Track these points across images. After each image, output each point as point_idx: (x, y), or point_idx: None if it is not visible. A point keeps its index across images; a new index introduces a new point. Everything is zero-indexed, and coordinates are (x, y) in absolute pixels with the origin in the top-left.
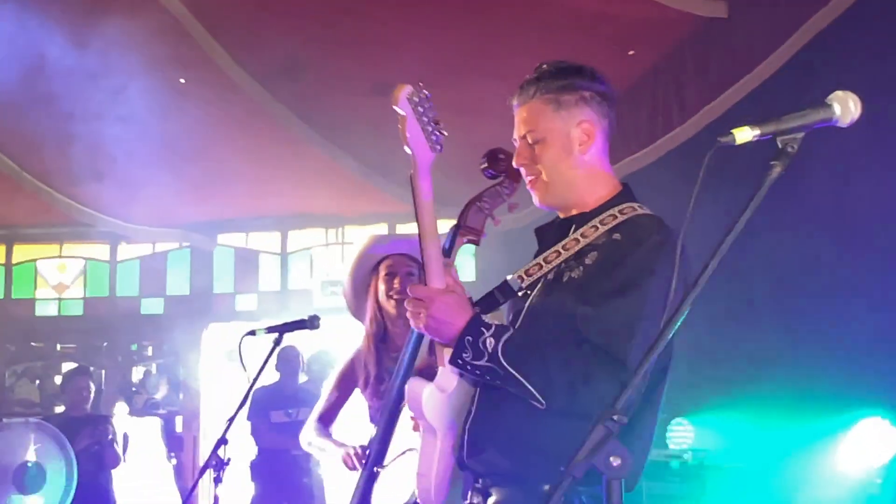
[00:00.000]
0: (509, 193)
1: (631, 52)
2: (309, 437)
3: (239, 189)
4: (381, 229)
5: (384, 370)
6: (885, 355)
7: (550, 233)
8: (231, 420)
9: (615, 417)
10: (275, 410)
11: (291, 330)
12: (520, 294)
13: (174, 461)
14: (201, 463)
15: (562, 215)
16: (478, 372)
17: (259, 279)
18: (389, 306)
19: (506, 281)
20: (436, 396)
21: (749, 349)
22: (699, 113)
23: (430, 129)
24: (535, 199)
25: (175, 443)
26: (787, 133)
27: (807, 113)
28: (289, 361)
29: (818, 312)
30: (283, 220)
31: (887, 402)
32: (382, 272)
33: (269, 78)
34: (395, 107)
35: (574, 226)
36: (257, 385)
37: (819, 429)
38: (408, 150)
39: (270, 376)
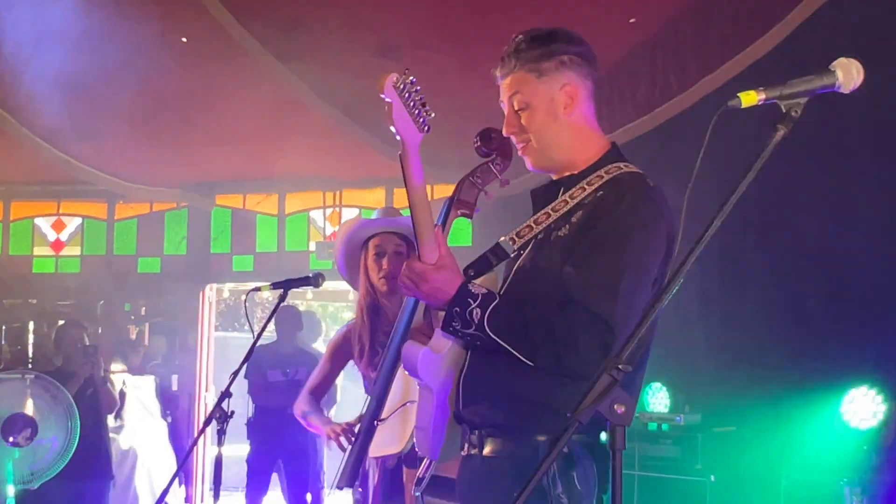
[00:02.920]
0: (501, 170)
1: (631, 20)
2: (301, 407)
3: (237, 150)
4: (379, 194)
5: (377, 342)
6: (874, 328)
7: (542, 195)
8: (235, 374)
9: (620, 366)
10: (272, 369)
11: (296, 286)
12: (512, 255)
13: (169, 419)
14: (196, 421)
15: (554, 177)
16: (468, 338)
17: (256, 240)
18: (380, 285)
19: (498, 243)
20: (430, 357)
21: (742, 319)
22: (698, 83)
23: (416, 112)
24: (528, 164)
25: (170, 401)
26: (791, 98)
27: (811, 79)
28: (288, 321)
29: (810, 286)
30: (281, 182)
31: (874, 374)
32: (371, 251)
33: (271, 38)
34: (381, 95)
35: (563, 188)
36: (257, 343)
37: (810, 397)
38: (395, 134)
39: (269, 335)
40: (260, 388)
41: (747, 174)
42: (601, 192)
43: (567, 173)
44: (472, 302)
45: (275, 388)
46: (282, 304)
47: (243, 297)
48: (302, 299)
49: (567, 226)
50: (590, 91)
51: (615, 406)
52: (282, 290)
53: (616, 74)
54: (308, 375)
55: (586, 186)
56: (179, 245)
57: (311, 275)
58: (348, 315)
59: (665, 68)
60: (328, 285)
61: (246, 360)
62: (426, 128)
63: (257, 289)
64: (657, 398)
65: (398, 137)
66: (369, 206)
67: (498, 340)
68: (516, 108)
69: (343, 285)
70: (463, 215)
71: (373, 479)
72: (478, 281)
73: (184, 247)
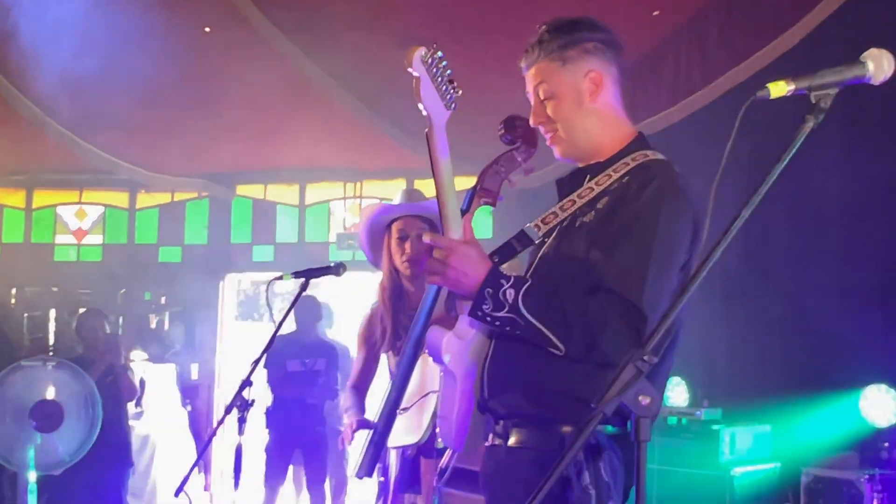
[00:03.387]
0: (525, 158)
1: (656, 13)
2: (343, 404)
3: (258, 140)
4: (399, 184)
5: (400, 325)
6: (890, 329)
7: (567, 183)
8: (256, 362)
9: (645, 358)
10: (291, 359)
11: (318, 276)
12: (537, 242)
13: (189, 408)
14: (216, 410)
15: (580, 166)
16: (497, 323)
17: (276, 231)
18: (404, 268)
19: (523, 230)
20: (454, 343)
21: (764, 315)
22: (722, 77)
23: (444, 88)
24: (556, 153)
25: (190, 390)
26: (820, 88)
27: (841, 70)
28: (308, 311)
29: (831, 283)
30: (302, 172)
31: (891, 372)
32: (395, 234)
33: (294, 29)
34: (409, 69)
35: (589, 175)
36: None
37: (830, 392)
38: (423, 110)
39: (288, 325)
40: (279, 379)
41: (775, 166)
42: (627, 179)
43: (593, 161)
44: (504, 283)
45: (294, 378)
46: (305, 296)
47: (264, 287)
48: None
49: (593, 212)
50: (615, 77)
51: (640, 397)
52: (303, 280)
53: (641, 68)
54: (327, 366)
55: (612, 173)
56: (200, 235)
57: (332, 264)
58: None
59: (690, 61)
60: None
61: (266, 349)
62: (453, 105)
63: (279, 278)
64: (676, 392)
65: (425, 113)
66: (390, 198)
67: (533, 321)
68: (542, 97)
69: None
70: (486, 203)
71: (394, 468)
72: (505, 265)
73: (204, 236)
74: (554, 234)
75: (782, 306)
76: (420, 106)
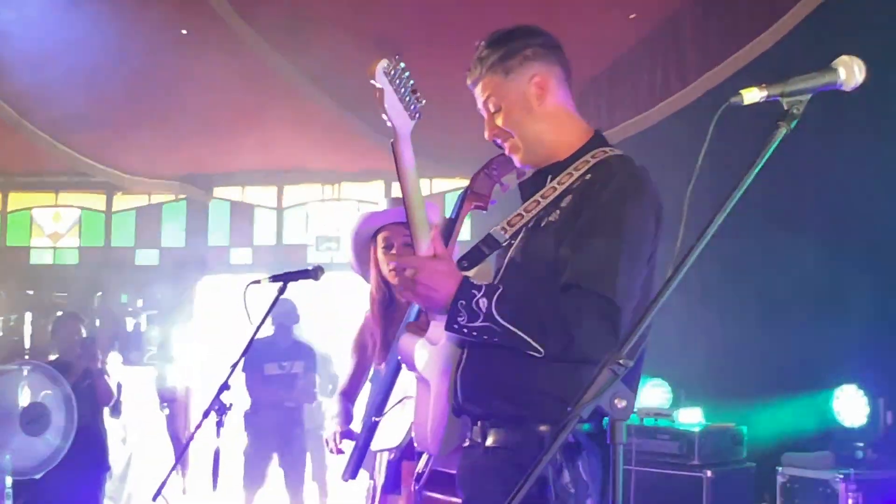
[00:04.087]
0: None
1: (632, 16)
2: (330, 410)
3: (236, 142)
4: (378, 186)
5: (391, 336)
6: (861, 331)
7: (530, 185)
8: (234, 366)
9: (621, 361)
10: (268, 363)
11: (295, 279)
12: (504, 244)
13: (166, 411)
14: (193, 413)
15: (542, 167)
16: (475, 333)
17: (254, 233)
18: (391, 277)
19: (489, 233)
20: (426, 349)
21: (740, 316)
22: (699, 80)
23: (407, 98)
24: (516, 162)
25: (167, 393)
26: (793, 95)
27: (813, 76)
28: (285, 314)
29: (805, 286)
30: (280, 174)
31: (861, 372)
32: (380, 244)
33: (271, 31)
34: (371, 81)
35: (550, 175)
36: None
37: (805, 393)
38: (387, 121)
39: (265, 329)
40: (257, 382)
41: (748, 171)
42: (589, 176)
43: (553, 161)
44: (476, 293)
45: (271, 381)
46: (282, 298)
47: (243, 290)
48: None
49: (558, 211)
50: (560, 77)
51: (616, 401)
52: (281, 283)
53: (616, 71)
54: (305, 369)
55: (573, 172)
56: (177, 238)
57: (310, 267)
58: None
59: (665, 65)
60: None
61: (245, 352)
62: (417, 115)
63: (256, 281)
64: (657, 393)
65: (389, 124)
66: (368, 200)
67: (509, 327)
68: (492, 110)
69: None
70: (477, 208)
71: (380, 472)
72: (471, 272)
73: (182, 239)
74: (521, 236)
75: (757, 307)
76: (384, 117)
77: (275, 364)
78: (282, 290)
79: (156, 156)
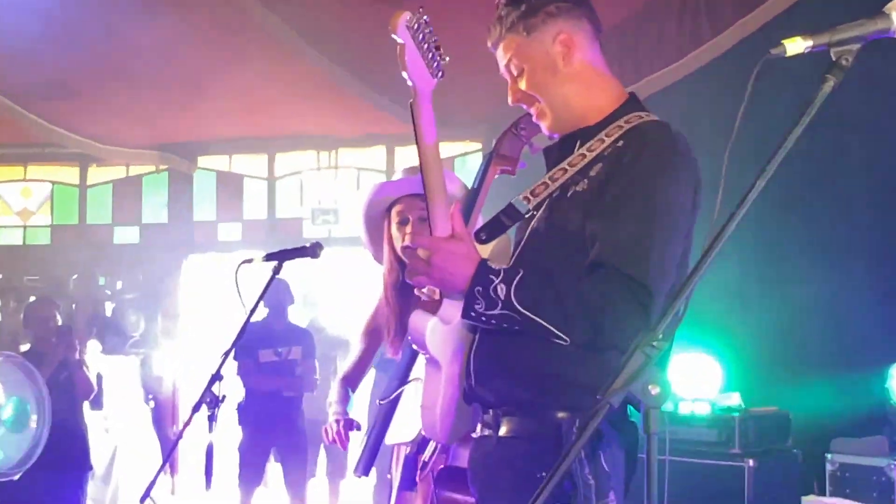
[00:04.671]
0: None
1: None
2: (329, 397)
3: (222, 106)
4: (379, 152)
5: (407, 321)
6: None
7: (557, 151)
8: (226, 354)
9: (655, 343)
10: (263, 349)
11: (292, 258)
12: (526, 216)
13: (152, 404)
14: (182, 407)
15: (570, 132)
16: (493, 322)
17: (244, 206)
18: (405, 256)
19: (511, 203)
20: (439, 329)
21: (783, 293)
22: (732, 27)
23: (430, 55)
24: (544, 129)
25: (153, 384)
26: (841, 44)
27: (863, 23)
28: (279, 296)
29: (855, 261)
30: (271, 141)
31: None
32: (394, 218)
33: None
34: (393, 35)
35: (579, 141)
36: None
37: (855, 375)
38: (407, 79)
39: (258, 312)
40: (251, 371)
41: (792, 131)
42: (622, 143)
43: (582, 127)
44: (494, 278)
45: (267, 369)
46: (276, 278)
47: (234, 270)
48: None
49: (586, 180)
50: (589, 34)
51: (649, 387)
52: (276, 263)
53: (642, 19)
54: (303, 354)
55: (605, 138)
56: (159, 213)
57: (307, 245)
58: None
59: (696, 10)
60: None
61: (237, 339)
62: (440, 73)
63: (249, 260)
64: (708, 376)
65: (410, 83)
66: (368, 167)
67: (530, 315)
68: (515, 73)
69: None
70: (504, 172)
71: (397, 468)
72: (489, 245)
73: (164, 214)
74: (544, 207)
75: (801, 277)
76: (404, 75)
77: (270, 350)
78: (276, 270)
79: (134, 123)
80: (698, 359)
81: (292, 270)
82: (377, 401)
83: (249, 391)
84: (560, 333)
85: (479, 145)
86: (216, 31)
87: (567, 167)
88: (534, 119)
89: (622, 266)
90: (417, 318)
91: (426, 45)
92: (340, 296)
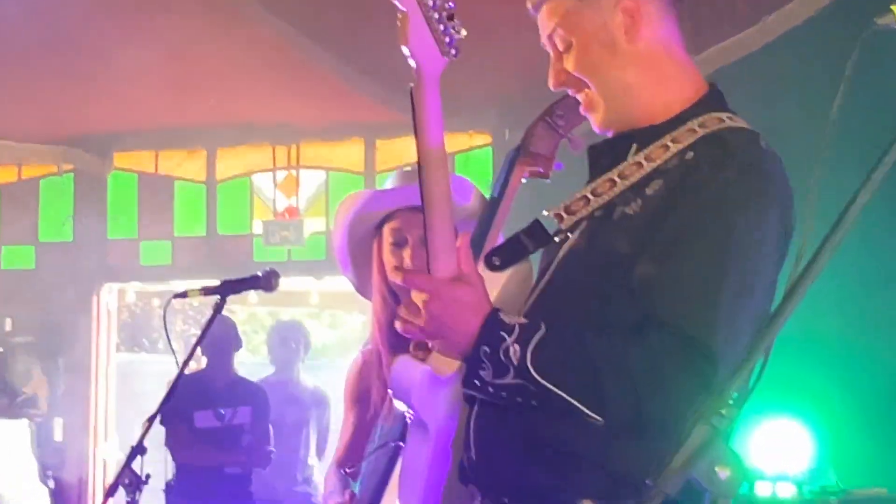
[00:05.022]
0: None
1: None
2: (326, 486)
3: (146, 87)
4: (355, 149)
5: None
6: None
7: (606, 154)
8: (151, 420)
9: (723, 412)
10: (200, 410)
11: (238, 290)
12: (556, 239)
13: (52, 484)
14: (92, 484)
15: (626, 131)
16: (504, 393)
17: (175, 220)
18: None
19: (537, 220)
20: (432, 381)
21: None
22: None
23: (441, 27)
24: (593, 124)
25: (53, 457)
26: None
27: None
28: (220, 338)
29: None
30: (210, 132)
31: None
32: (388, 238)
33: None
34: (394, 1)
35: (636, 144)
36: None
37: None
38: (409, 57)
39: (194, 360)
40: (184, 439)
41: None
42: (692, 155)
43: (643, 125)
44: (507, 336)
45: (205, 438)
46: (218, 316)
47: (158, 305)
48: (243, 303)
49: (640, 200)
50: (664, 3)
51: (717, 468)
52: (218, 297)
53: None
54: (253, 417)
55: (670, 144)
56: (62, 228)
57: (260, 273)
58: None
59: None
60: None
61: (167, 398)
62: (453, 50)
63: (182, 294)
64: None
65: (412, 62)
66: (340, 167)
67: (550, 387)
68: (560, 48)
69: (304, 283)
70: (535, 175)
71: None
72: (505, 273)
73: (69, 230)
74: (582, 229)
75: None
76: (405, 50)
77: (209, 412)
78: (219, 307)
79: (29, 110)
80: (783, 426)
81: (241, 305)
82: (344, 469)
83: (182, 466)
84: (591, 413)
85: (487, 138)
86: None
87: (617, 178)
88: (581, 110)
89: (683, 327)
90: (402, 367)
91: (437, 15)
92: (311, 337)
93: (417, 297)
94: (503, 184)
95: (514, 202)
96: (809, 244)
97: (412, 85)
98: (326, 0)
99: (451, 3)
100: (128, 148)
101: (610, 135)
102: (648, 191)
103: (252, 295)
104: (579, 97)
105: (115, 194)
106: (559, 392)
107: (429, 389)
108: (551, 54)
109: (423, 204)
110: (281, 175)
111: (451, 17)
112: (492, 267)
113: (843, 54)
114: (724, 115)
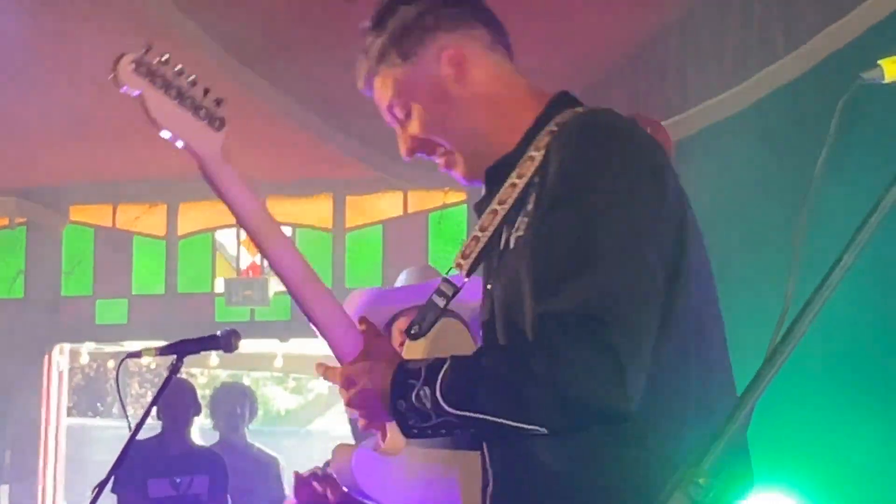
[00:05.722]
0: None
1: None
2: None
3: (104, 137)
4: (323, 205)
5: None
6: None
7: (486, 197)
8: (101, 486)
9: (701, 480)
10: (155, 478)
11: (195, 351)
12: (461, 287)
13: None
14: None
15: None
16: (443, 431)
17: (133, 277)
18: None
19: (443, 278)
20: (375, 464)
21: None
22: (816, 37)
23: (190, 102)
24: (459, 179)
25: None
26: None
27: None
28: (177, 403)
29: None
30: (172, 185)
31: None
32: (397, 339)
33: None
34: (123, 90)
35: (504, 170)
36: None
37: None
38: (175, 142)
39: (150, 426)
40: None
41: (893, 185)
42: (549, 152)
43: (502, 155)
44: (415, 382)
45: None
46: (174, 378)
47: (112, 366)
48: (202, 366)
49: (524, 217)
50: (486, 41)
51: None
52: (174, 357)
53: (687, 27)
54: (211, 487)
55: (535, 153)
56: (12, 284)
57: (219, 333)
58: (272, 391)
59: (767, 16)
60: (245, 345)
61: (118, 464)
62: (217, 122)
63: (136, 354)
64: None
65: (179, 145)
66: (308, 224)
67: (468, 415)
68: (401, 117)
69: (268, 345)
70: None
71: None
72: (431, 334)
73: (19, 287)
74: (493, 269)
75: None
76: (165, 135)
77: (164, 480)
78: (175, 369)
79: None
80: (775, 501)
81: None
82: None
83: None
84: (523, 424)
85: (462, 196)
86: (103, 37)
87: (497, 207)
88: (441, 169)
89: (558, 302)
90: (337, 456)
91: (177, 90)
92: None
93: (343, 394)
94: None
95: None
96: (793, 307)
97: (198, 167)
98: (294, 52)
99: (190, 75)
100: (85, 201)
101: (467, 184)
102: (529, 206)
103: (213, 357)
104: (437, 160)
105: (70, 249)
106: (481, 416)
107: (380, 475)
108: (396, 126)
109: (288, 286)
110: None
111: (194, 83)
112: (413, 337)
113: (832, 111)
114: (578, 109)
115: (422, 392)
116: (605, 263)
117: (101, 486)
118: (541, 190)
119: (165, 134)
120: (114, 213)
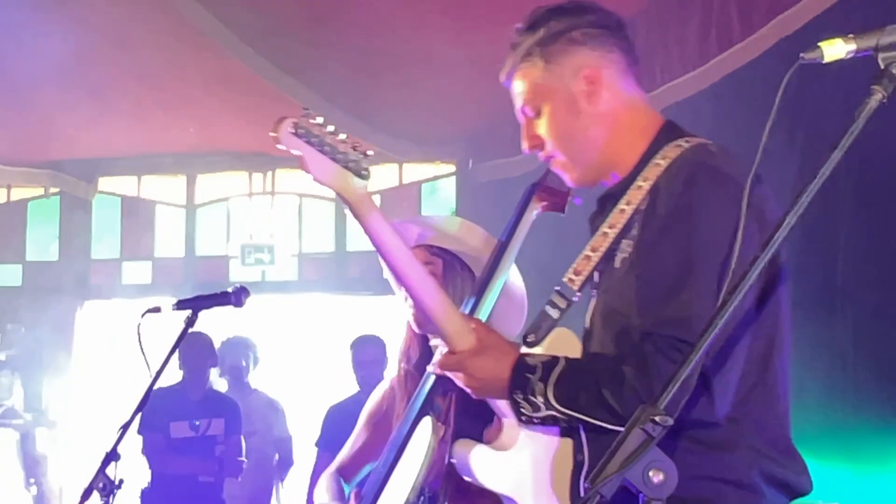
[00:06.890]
0: None
1: None
2: (320, 496)
3: (130, 115)
4: None
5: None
6: None
7: (598, 215)
8: (125, 427)
9: (657, 418)
10: (176, 421)
11: (208, 306)
12: (575, 299)
13: (34, 489)
14: (70, 490)
15: (607, 188)
16: (551, 422)
17: (155, 241)
18: (412, 319)
19: (554, 290)
20: (490, 457)
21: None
22: (768, 25)
23: (341, 156)
24: (569, 182)
25: (35, 464)
26: (891, 49)
27: None
28: (196, 354)
29: None
30: (190, 158)
31: None
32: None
33: None
34: (280, 146)
35: (616, 195)
36: (155, 385)
37: None
38: (333, 192)
39: (171, 374)
40: (159, 449)
41: (832, 154)
42: (657, 185)
43: (618, 178)
44: (531, 377)
45: (180, 447)
46: (189, 331)
47: (137, 322)
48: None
49: (630, 241)
50: (620, 66)
51: (651, 472)
52: (189, 312)
53: (655, 14)
54: (226, 429)
55: (642, 184)
56: (48, 248)
57: (230, 290)
58: None
59: (725, 6)
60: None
61: (140, 408)
62: (364, 171)
63: (156, 309)
64: None
65: (337, 195)
66: (313, 194)
67: (573, 414)
68: (531, 115)
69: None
70: (548, 209)
71: None
72: (545, 343)
73: (55, 249)
74: (599, 284)
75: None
76: (320, 183)
77: (184, 423)
78: (190, 322)
79: (17, 134)
80: None
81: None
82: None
83: (157, 474)
84: (617, 427)
85: (452, 168)
86: (126, 26)
87: (607, 230)
88: (552, 168)
89: (656, 325)
90: (461, 450)
91: (330, 148)
92: (284, 353)
93: (452, 376)
94: (519, 214)
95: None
96: (738, 267)
97: (347, 209)
98: (305, 36)
99: (341, 134)
100: (112, 172)
101: (573, 186)
102: (634, 231)
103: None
104: (548, 159)
105: (99, 216)
106: (580, 416)
107: (492, 466)
108: (522, 121)
109: (415, 299)
110: (257, 200)
111: (345, 141)
112: (529, 345)
113: (773, 88)
114: (681, 142)
115: (537, 387)
116: (701, 290)
117: (124, 427)
118: (646, 219)
119: (320, 182)
120: (138, 183)
